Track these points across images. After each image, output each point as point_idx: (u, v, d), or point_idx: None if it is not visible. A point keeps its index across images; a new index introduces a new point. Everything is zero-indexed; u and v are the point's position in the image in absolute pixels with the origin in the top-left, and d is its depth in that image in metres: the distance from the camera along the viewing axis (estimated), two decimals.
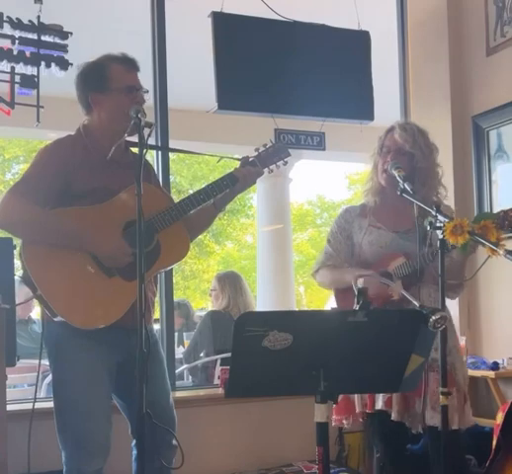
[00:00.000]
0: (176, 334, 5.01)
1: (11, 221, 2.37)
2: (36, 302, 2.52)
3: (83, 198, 2.41)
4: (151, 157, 3.51)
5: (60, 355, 2.42)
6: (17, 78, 3.37)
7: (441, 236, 2.17)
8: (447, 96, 4.01)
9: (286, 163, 2.67)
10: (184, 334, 5.80)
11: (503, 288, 3.73)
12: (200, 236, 2.83)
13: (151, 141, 2.31)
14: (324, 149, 3.97)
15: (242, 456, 3.46)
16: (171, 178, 4.71)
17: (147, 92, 2.51)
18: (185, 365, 4.72)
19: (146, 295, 2.41)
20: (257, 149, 2.63)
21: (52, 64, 3.43)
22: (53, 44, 3.45)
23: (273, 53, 3.78)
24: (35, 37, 3.40)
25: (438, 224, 2.19)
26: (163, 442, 2.42)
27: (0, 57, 3.32)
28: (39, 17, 3.41)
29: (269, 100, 3.76)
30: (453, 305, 3.27)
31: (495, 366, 3.55)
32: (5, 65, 3.35)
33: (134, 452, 2.34)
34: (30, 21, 3.40)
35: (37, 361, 2.55)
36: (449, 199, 2.77)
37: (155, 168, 3.34)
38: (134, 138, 2.27)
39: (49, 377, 4.00)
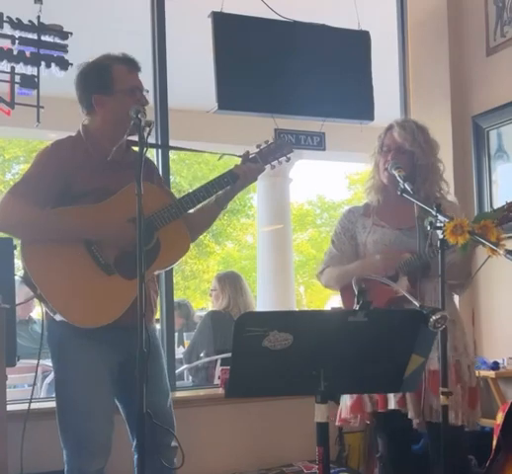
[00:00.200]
0: (176, 334, 5.01)
1: (10, 223, 2.37)
2: (36, 302, 2.52)
3: (83, 199, 2.40)
4: (151, 157, 3.51)
5: (62, 355, 2.42)
6: (17, 78, 3.36)
7: (441, 236, 2.17)
8: (447, 96, 4.01)
9: (288, 159, 2.66)
10: (184, 334, 5.80)
11: (503, 288, 3.73)
12: (200, 236, 2.82)
13: (151, 141, 2.31)
14: (324, 149, 3.97)
15: (242, 456, 3.47)
16: (171, 178, 4.71)
17: (148, 92, 2.51)
18: (185, 365, 4.72)
19: (149, 294, 2.41)
20: (258, 145, 2.61)
21: (52, 64, 3.43)
22: (53, 44, 3.45)
23: (273, 53, 3.77)
24: (35, 37, 3.40)
25: (438, 224, 2.20)
26: (163, 443, 2.42)
27: (0, 57, 3.32)
28: (39, 17, 3.41)
29: (269, 100, 3.76)
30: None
31: (495, 366, 3.55)
32: (5, 65, 3.34)
33: (136, 457, 2.33)
34: (30, 21, 3.39)
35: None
36: (450, 197, 2.77)
37: None
38: (135, 137, 2.26)
39: (50, 377, 4.01)
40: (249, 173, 2.56)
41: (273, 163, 2.62)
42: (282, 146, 2.64)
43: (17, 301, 2.54)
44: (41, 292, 2.34)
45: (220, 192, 2.54)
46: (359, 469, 3.64)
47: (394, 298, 2.48)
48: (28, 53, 3.39)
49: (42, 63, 3.41)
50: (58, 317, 2.36)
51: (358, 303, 1.79)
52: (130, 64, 2.48)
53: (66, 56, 3.46)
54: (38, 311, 4.30)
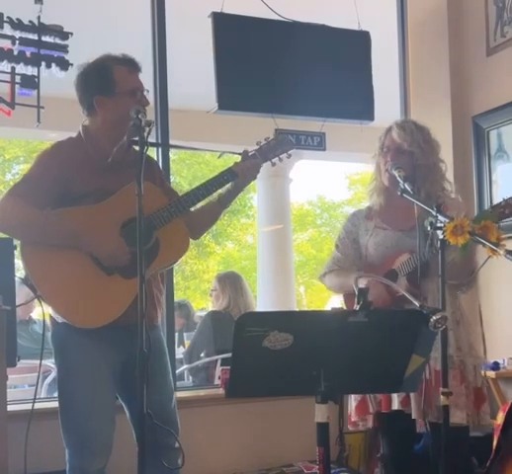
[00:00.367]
0: (176, 334, 5.02)
1: (10, 224, 2.37)
2: (36, 303, 2.52)
3: (83, 200, 2.41)
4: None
5: (64, 355, 2.43)
6: (17, 78, 3.36)
7: (441, 236, 2.17)
8: (447, 96, 4.01)
9: (290, 156, 2.66)
10: (184, 334, 5.80)
11: (503, 289, 3.72)
12: (202, 235, 2.82)
13: (151, 141, 2.31)
14: (325, 149, 3.97)
15: (243, 456, 3.46)
16: (171, 178, 4.71)
17: (148, 92, 2.51)
18: (185, 366, 4.72)
19: (151, 292, 2.41)
20: (258, 142, 2.61)
21: (53, 65, 3.42)
22: (54, 45, 3.45)
23: (273, 54, 3.78)
24: (35, 37, 3.40)
25: (438, 224, 2.20)
26: (166, 444, 2.42)
27: (0, 58, 3.32)
28: (39, 17, 3.40)
29: (269, 100, 3.76)
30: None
31: (496, 366, 3.55)
32: (5, 66, 3.34)
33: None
34: (30, 21, 3.39)
35: (37, 362, 2.56)
36: (454, 196, 2.77)
37: None
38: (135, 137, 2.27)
39: (50, 377, 4.01)
40: (248, 170, 2.55)
41: (273, 160, 2.62)
42: (282, 143, 2.63)
43: (17, 302, 2.53)
44: (40, 293, 2.34)
45: (221, 190, 2.55)
46: (359, 469, 3.64)
47: (395, 302, 2.49)
48: (28, 54, 3.39)
49: (43, 63, 3.41)
50: (59, 318, 2.36)
51: (358, 303, 1.80)
52: (131, 65, 2.47)
53: (67, 57, 3.45)
54: (38, 311, 4.31)
